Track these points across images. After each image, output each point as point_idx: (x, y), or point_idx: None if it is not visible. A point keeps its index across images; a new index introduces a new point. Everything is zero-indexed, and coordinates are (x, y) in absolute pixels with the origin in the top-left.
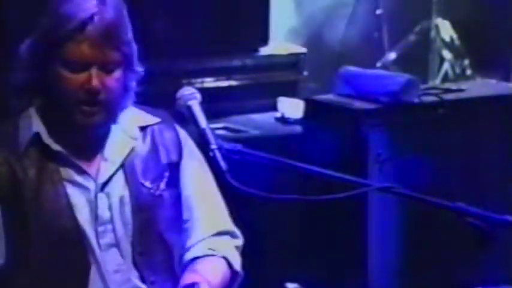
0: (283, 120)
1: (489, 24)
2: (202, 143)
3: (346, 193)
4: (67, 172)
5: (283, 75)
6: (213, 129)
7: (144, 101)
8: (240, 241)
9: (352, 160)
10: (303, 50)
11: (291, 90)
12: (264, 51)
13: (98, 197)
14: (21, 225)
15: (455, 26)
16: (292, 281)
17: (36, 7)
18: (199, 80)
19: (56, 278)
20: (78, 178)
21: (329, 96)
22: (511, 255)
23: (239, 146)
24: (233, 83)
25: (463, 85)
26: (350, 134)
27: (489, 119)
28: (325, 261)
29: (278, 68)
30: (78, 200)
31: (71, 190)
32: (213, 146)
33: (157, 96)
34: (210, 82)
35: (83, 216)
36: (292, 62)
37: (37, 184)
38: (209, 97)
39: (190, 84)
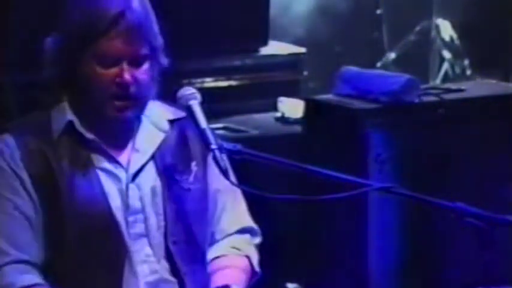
0: (283, 120)
1: (489, 24)
2: (202, 143)
3: (346, 193)
4: (99, 160)
5: (283, 75)
6: (213, 129)
7: None
8: (259, 239)
9: (352, 160)
10: (303, 50)
11: (291, 90)
12: (264, 51)
13: (129, 187)
14: (56, 212)
15: (455, 26)
16: (292, 281)
17: (37, 8)
18: (199, 80)
19: (91, 265)
20: (110, 167)
21: (329, 96)
22: (511, 255)
23: (239, 146)
24: (233, 83)
25: (463, 85)
26: (350, 134)
27: (489, 119)
28: (325, 261)
29: (278, 68)
30: (110, 188)
31: (103, 178)
32: (213, 146)
33: (158, 96)
34: (210, 82)
35: (115, 204)
36: (292, 62)
37: (71, 171)
38: (209, 97)
39: (190, 84)
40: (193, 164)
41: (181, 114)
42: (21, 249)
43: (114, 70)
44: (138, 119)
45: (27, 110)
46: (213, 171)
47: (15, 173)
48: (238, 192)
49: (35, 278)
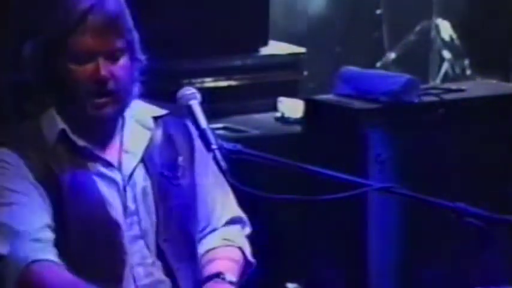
0: (283, 120)
1: (489, 24)
2: (202, 143)
3: (346, 193)
4: (95, 166)
5: (283, 75)
6: (213, 129)
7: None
8: (248, 229)
9: (352, 160)
10: (303, 50)
11: (291, 90)
12: (264, 51)
13: (126, 189)
14: (60, 217)
15: (455, 26)
16: (292, 281)
17: (36, 8)
18: (199, 80)
19: (94, 270)
20: (106, 171)
21: (329, 96)
22: (511, 255)
23: (239, 146)
24: (233, 83)
25: (463, 85)
26: (350, 134)
27: (489, 119)
28: (325, 261)
29: (278, 68)
30: (109, 193)
31: (101, 184)
32: (213, 146)
33: (157, 96)
34: (210, 82)
35: (115, 208)
36: (292, 62)
37: (70, 178)
38: (209, 97)
39: (190, 84)
40: (180, 159)
41: (165, 110)
42: (39, 230)
43: (90, 66)
44: (121, 118)
45: (26, 110)
46: (200, 165)
47: (26, 176)
48: (225, 184)
49: (51, 255)
